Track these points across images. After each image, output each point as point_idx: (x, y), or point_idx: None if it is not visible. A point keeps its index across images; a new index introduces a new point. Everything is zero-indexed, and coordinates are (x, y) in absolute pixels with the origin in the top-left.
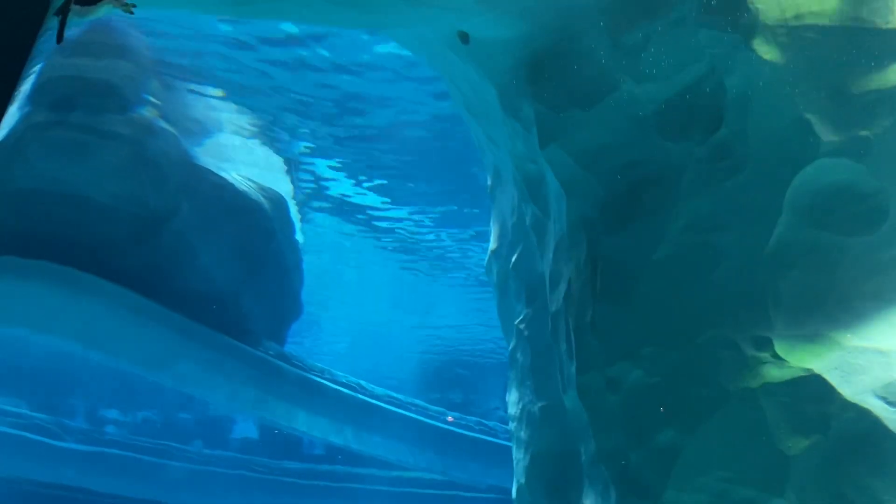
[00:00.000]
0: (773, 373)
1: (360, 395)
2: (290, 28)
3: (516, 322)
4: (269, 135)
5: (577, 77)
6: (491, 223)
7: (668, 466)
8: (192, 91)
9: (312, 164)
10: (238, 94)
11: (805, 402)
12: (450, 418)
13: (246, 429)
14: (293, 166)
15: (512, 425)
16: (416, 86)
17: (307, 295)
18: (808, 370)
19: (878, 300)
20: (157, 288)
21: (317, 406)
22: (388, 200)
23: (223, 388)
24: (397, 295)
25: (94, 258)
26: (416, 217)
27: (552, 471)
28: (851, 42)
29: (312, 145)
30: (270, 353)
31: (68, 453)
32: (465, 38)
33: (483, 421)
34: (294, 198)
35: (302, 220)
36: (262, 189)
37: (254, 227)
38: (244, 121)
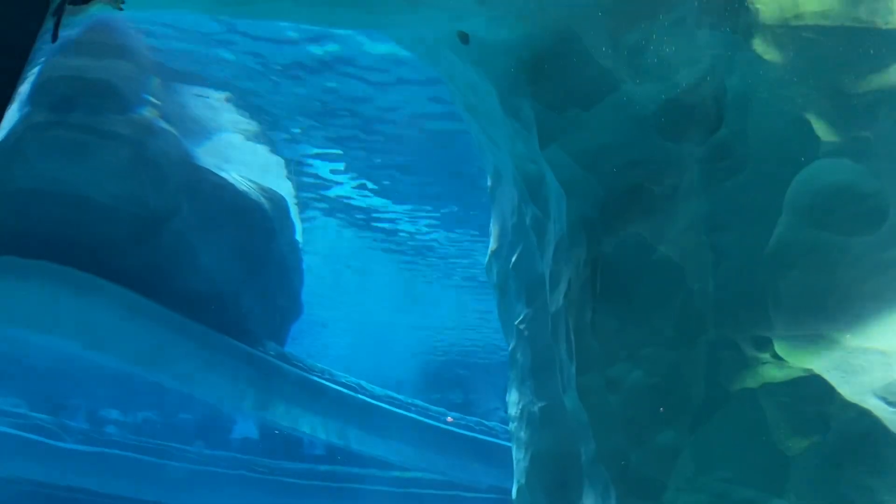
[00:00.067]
0: (773, 373)
1: (360, 396)
2: (291, 28)
3: (516, 322)
4: (270, 135)
5: (578, 77)
6: (491, 223)
7: (668, 466)
8: (192, 91)
9: (313, 164)
10: (239, 95)
11: (805, 402)
12: (449, 419)
13: (246, 429)
14: (293, 167)
15: (512, 426)
16: (417, 87)
17: (307, 295)
18: (808, 370)
19: (878, 300)
20: (157, 288)
21: (317, 406)
22: (388, 201)
23: (223, 388)
24: (397, 295)
25: (94, 258)
26: (416, 217)
27: (552, 471)
28: (851, 42)
29: (313, 146)
30: (270, 353)
31: (68, 453)
32: (464, 38)
33: (483, 421)
34: (294, 198)
35: (302, 221)
36: (263, 189)
37: (254, 228)
38: (245, 121)
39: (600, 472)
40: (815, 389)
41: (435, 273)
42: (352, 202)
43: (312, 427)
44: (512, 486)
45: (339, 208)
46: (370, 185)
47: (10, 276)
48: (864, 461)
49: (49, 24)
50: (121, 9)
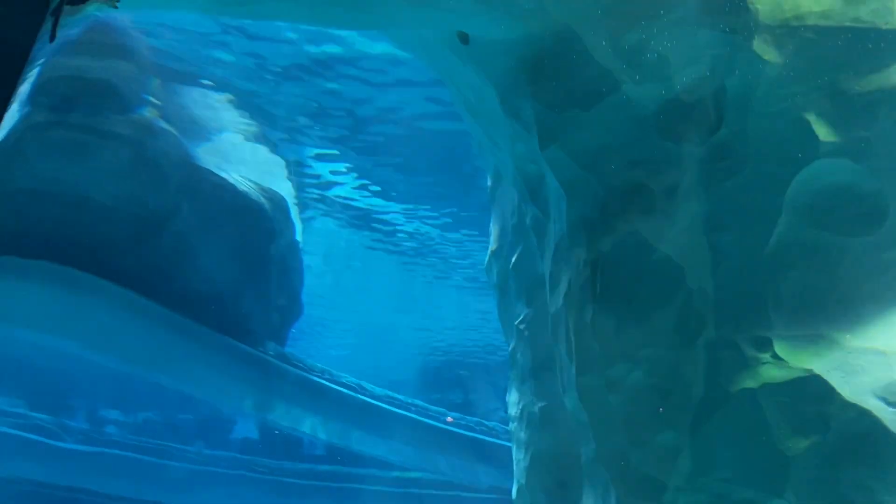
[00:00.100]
0: (773, 373)
1: (360, 396)
2: (290, 28)
3: (516, 322)
4: (270, 135)
5: (578, 77)
6: (491, 224)
7: (669, 466)
8: (192, 91)
9: (313, 164)
10: (239, 95)
11: (805, 402)
12: (449, 419)
13: (246, 429)
14: (293, 167)
15: (512, 426)
16: (417, 87)
17: (307, 295)
18: (808, 370)
19: (878, 301)
20: (157, 288)
21: (317, 406)
22: (388, 201)
23: (223, 388)
24: (397, 295)
25: (94, 258)
26: (415, 218)
27: (552, 471)
28: (851, 42)
29: (313, 146)
30: (271, 353)
31: (68, 454)
32: (464, 38)
33: (483, 421)
34: (294, 198)
35: (302, 221)
36: (263, 190)
37: (254, 228)
38: (245, 121)
39: (600, 472)
40: (815, 390)
41: (435, 273)
42: (352, 202)
43: (312, 427)
44: (512, 486)
45: (339, 208)
46: (370, 185)
47: (10, 276)
48: (864, 461)
49: (48, 24)
50: (115, 6)
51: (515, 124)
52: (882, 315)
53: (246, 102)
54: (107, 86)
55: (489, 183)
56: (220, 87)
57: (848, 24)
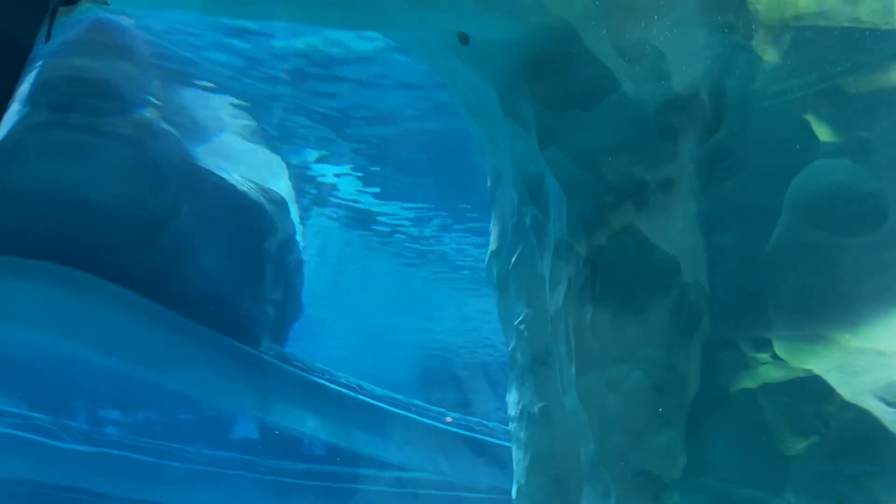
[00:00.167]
0: (773, 373)
1: (360, 396)
2: (290, 29)
3: (516, 323)
4: (271, 135)
5: (577, 77)
6: (491, 224)
7: (668, 467)
8: (192, 91)
9: (313, 165)
10: (239, 95)
11: (805, 402)
12: (449, 419)
13: (246, 429)
14: (294, 167)
15: (512, 426)
16: (417, 87)
17: (307, 295)
18: (808, 371)
19: (877, 301)
20: (158, 288)
21: (317, 406)
22: (388, 201)
23: (223, 388)
24: (397, 295)
25: (94, 258)
26: (416, 218)
27: (552, 471)
28: (851, 42)
29: (313, 146)
30: (270, 353)
31: (68, 454)
32: (464, 38)
33: (483, 421)
34: (294, 198)
35: (302, 221)
36: (263, 190)
37: (255, 228)
38: (245, 121)
39: (600, 473)
40: (815, 390)
41: (435, 273)
42: (352, 202)
43: (312, 427)
44: (512, 487)
45: (340, 208)
46: (370, 185)
47: (10, 276)
48: (864, 462)
49: (48, 23)
50: (106, 3)
51: (515, 124)
52: (882, 315)
53: (246, 103)
54: (107, 86)
55: (489, 183)
56: (220, 87)
57: (848, 23)
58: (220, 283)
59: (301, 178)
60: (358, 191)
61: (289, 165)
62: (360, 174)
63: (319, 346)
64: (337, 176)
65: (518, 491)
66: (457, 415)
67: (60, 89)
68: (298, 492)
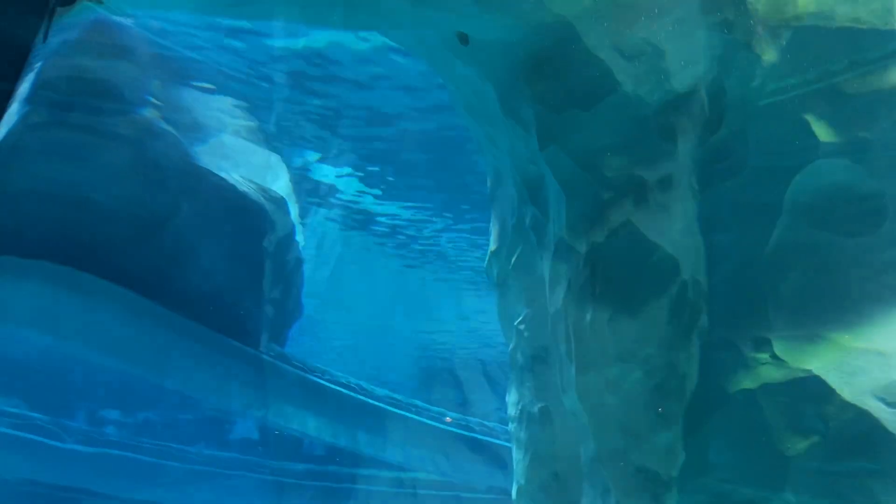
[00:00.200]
0: (773, 373)
1: (359, 396)
2: (290, 29)
3: (516, 323)
4: (270, 135)
5: (577, 77)
6: (491, 224)
7: (668, 467)
8: (192, 91)
9: (313, 165)
10: (239, 95)
11: (804, 402)
12: (448, 419)
13: (246, 429)
14: (294, 168)
15: (512, 426)
16: (417, 88)
17: (307, 296)
18: (808, 371)
19: (877, 301)
20: (157, 288)
21: (317, 407)
22: (388, 201)
23: (223, 388)
24: (397, 295)
25: (94, 258)
26: (416, 218)
27: (552, 471)
28: (851, 42)
29: (313, 147)
30: (271, 353)
31: (68, 454)
32: (464, 39)
33: (483, 421)
34: (294, 199)
35: (302, 221)
36: (263, 190)
37: (255, 228)
38: (245, 121)
39: (600, 472)
40: (815, 390)
41: (435, 273)
42: (352, 203)
43: (312, 427)
44: (512, 486)
45: (340, 209)
46: (370, 185)
47: (10, 276)
48: (864, 462)
49: (45, 24)
50: (101, 2)
51: (515, 124)
52: (882, 315)
53: (246, 103)
54: (107, 86)
55: (489, 183)
56: (220, 87)
57: (847, 23)
58: (219, 283)
59: (301, 179)
60: (358, 191)
61: (289, 165)
62: (360, 174)
63: (319, 347)
64: (337, 175)
65: (518, 491)
66: (457, 415)
67: (60, 89)
68: (298, 492)
